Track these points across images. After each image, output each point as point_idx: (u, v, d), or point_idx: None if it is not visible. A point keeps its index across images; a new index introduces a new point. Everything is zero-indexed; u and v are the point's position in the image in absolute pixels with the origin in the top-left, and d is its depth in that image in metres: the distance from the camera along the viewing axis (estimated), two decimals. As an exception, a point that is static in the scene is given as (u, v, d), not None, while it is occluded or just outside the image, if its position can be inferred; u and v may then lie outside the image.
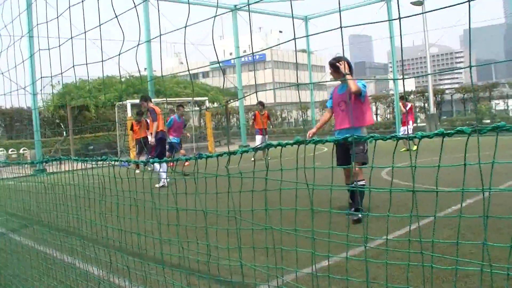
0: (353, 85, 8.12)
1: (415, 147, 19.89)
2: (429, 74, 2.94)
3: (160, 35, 3.61)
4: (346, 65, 8.23)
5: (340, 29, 2.42)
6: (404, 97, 23.75)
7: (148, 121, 20.35)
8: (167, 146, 18.49)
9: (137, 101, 32.35)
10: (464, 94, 41.79)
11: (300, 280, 4.96)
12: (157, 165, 13.59)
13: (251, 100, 53.52)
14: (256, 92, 2.68)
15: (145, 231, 3.95)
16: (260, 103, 23.00)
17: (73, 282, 4.97)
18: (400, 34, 2.26)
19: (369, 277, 5.15)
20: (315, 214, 2.66)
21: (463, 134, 2.03)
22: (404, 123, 22.54)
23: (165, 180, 13.02)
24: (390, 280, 4.98)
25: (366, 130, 8.84)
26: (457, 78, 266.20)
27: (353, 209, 8.08)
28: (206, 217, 3.09)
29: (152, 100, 30.76)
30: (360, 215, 7.83)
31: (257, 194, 2.72)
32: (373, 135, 2.14)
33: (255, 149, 2.64)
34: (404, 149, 20.73)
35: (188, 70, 3.06)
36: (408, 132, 21.80)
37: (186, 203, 3.26)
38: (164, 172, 13.31)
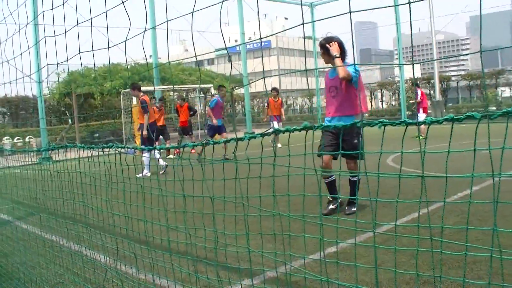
0: (342, 70, 7.43)
1: (422, 137, 19.60)
2: (435, 60, 2.88)
3: (167, 20, 3.58)
4: (337, 47, 7.63)
5: (349, 13, 2.39)
6: (416, 84, 23.22)
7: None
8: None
9: (142, 88, 32.42)
10: (470, 81, 41.65)
11: (307, 266, 4.96)
12: (157, 154, 13.61)
13: (256, 87, 53.44)
14: (264, 77, 2.65)
15: (152, 218, 3.94)
16: (274, 89, 22.39)
17: (80, 270, 4.98)
18: (410, 20, 2.22)
19: (377, 263, 5.17)
20: (323, 201, 2.63)
21: (473, 119, 2.01)
22: (425, 109, 21.91)
23: (148, 171, 12.93)
24: (396, 266, 4.98)
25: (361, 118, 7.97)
26: (463, 65, 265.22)
27: (334, 204, 7.78)
28: (213, 204, 3.08)
29: (158, 87, 30.77)
30: (353, 209, 7.63)
31: (264, 180, 2.70)
32: (383, 121, 2.11)
33: (263, 135, 2.62)
34: (417, 135, 20.46)
35: (195, 56, 3.03)
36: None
37: (193, 190, 3.25)
38: (148, 163, 13.08)
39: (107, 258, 4.93)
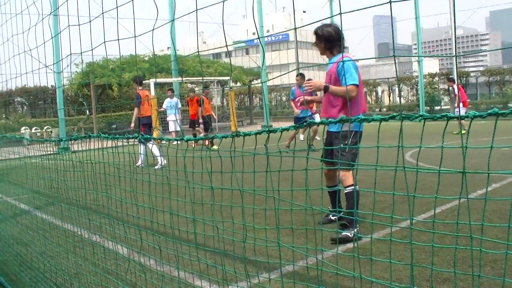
0: (341, 92, 6.27)
1: (464, 131, 19.18)
2: (455, 55, 2.88)
3: (189, 13, 3.54)
4: (317, 82, 6.56)
5: (369, 7, 2.33)
6: (452, 79, 22.43)
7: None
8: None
9: (160, 80, 32.47)
10: (489, 77, 41.28)
11: (331, 260, 4.92)
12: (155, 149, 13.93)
13: (274, 81, 53.33)
14: (280, 75, 2.61)
15: (178, 209, 3.90)
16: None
17: (100, 260, 4.97)
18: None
19: (392, 260, 5.10)
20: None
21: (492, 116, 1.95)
22: (464, 103, 21.05)
23: (161, 161, 13.40)
24: (414, 264, 4.91)
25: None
26: (481, 60, 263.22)
27: (330, 216, 6.62)
28: (242, 197, 3.04)
29: (176, 78, 30.78)
30: (347, 234, 5.76)
31: (287, 174, 2.65)
32: (423, 114, 2.05)
33: (296, 127, 2.57)
34: (457, 132, 20.11)
35: (228, 47, 2.98)
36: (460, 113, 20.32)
37: (222, 182, 3.21)
38: (158, 154, 13.62)
39: (130, 249, 4.91)
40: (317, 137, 19.99)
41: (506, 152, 10.82)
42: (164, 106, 23.28)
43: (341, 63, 6.24)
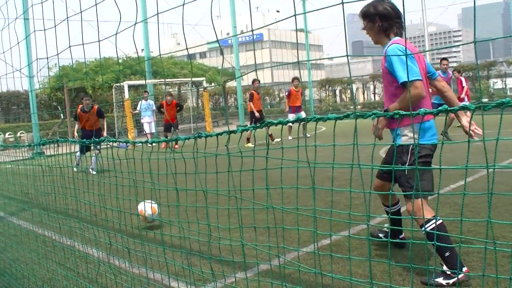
0: (400, 105, 4.35)
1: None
2: (427, 50, 2.91)
3: (158, 13, 3.56)
4: (381, 121, 4.48)
5: (341, 4, 2.37)
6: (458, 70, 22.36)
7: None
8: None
9: (134, 82, 32.32)
10: (462, 73, 41.71)
11: (301, 259, 4.95)
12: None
13: (249, 80, 53.34)
14: (255, 70, 2.63)
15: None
16: (296, 79, 21.10)
17: (72, 265, 4.96)
18: (403, 9, 2.21)
19: (366, 255, 5.15)
20: (309, 195, 2.62)
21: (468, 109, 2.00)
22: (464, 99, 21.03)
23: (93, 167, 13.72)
24: (391, 258, 4.97)
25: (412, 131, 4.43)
26: (455, 57, 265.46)
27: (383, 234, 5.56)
28: (206, 197, 3.06)
29: (150, 81, 30.64)
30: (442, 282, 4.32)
31: (258, 173, 2.68)
32: (376, 112, 2.09)
33: (255, 127, 2.60)
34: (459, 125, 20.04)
35: (187, 49, 3.01)
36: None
37: (186, 183, 3.23)
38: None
39: (100, 252, 4.90)
40: (307, 134, 20.12)
41: (479, 146, 10.84)
42: (138, 108, 23.23)
43: (394, 49, 4.55)
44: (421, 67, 4.47)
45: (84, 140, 4.11)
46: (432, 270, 4.26)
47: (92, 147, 12.34)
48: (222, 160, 2.86)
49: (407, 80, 4.17)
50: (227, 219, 3.52)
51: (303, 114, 21.12)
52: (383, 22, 4.69)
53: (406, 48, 2.77)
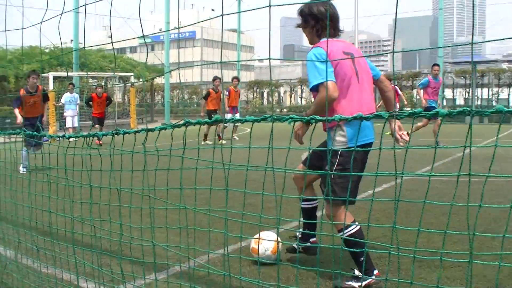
0: (314, 108, 4.24)
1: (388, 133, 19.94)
2: (354, 57, 2.92)
3: (86, 4, 3.45)
4: (298, 126, 4.45)
5: (269, 7, 2.34)
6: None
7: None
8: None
9: (59, 73, 31.56)
10: (390, 82, 42.67)
11: (212, 261, 4.90)
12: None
13: (176, 78, 53.00)
14: (180, 68, 2.56)
15: (57, 209, 3.78)
16: (236, 78, 20.92)
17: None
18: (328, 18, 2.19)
19: (282, 260, 5.14)
20: (233, 195, 2.57)
21: (381, 118, 2.00)
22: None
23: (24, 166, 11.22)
24: (303, 262, 4.96)
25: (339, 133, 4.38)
26: (383, 65, 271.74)
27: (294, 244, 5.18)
28: (119, 196, 2.96)
29: (76, 73, 30.02)
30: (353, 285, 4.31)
31: (174, 173, 2.61)
32: (292, 116, 2.06)
33: (173, 126, 2.53)
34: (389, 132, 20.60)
35: (112, 43, 2.91)
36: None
37: (100, 180, 3.12)
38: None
39: (8, 251, 4.71)
40: (235, 137, 20.03)
41: (397, 153, 11.09)
42: (62, 100, 22.54)
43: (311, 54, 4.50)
44: (345, 69, 4.37)
45: (19, 130, 3.91)
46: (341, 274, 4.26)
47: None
48: (140, 158, 2.78)
49: (315, 84, 4.20)
50: (140, 218, 3.44)
51: (238, 116, 20.88)
52: (316, 23, 4.65)
53: (327, 52, 2.75)
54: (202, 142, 18.11)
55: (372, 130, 4.53)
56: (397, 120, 4.56)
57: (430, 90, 16.16)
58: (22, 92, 12.93)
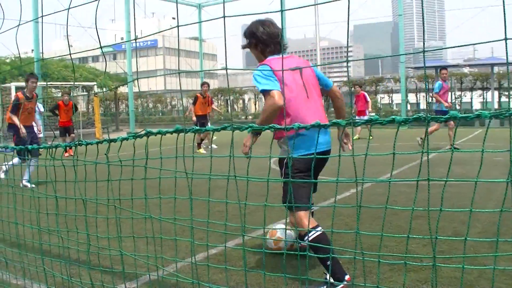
0: (263, 115, 4.36)
1: (357, 137, 20.96)
2: (318, 65, 3.01)
3: (42, 16, 3.49)
4: (247, 139, 4.47)
5: (223, 18, 2.42)
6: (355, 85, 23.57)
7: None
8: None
9: (22, 84, 31.16)
10: (351, 88, 42.97)
11: (183, 269, 4.95)
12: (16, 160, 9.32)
13: (141, 87, 52.74)
14: (138, 78, 2.64)
15: (23, 220, 3.80)
16: (205, 84, 18.81)
17: None
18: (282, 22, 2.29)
19: (256, 266, 5.21)
20: (200, 204, 2.64)
21: (338, 125, 2.10)
22: (362, 112, 21.94)
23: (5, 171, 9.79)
24: (268, 269, 5.03)
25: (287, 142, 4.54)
26: (345, 71, 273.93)
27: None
28: (85, 206, 3.01)
29: (38, 83, 29.72)
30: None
31: (139, 182, 2.67)
32: (251, 125, 2.15)
33: (135, 136, 2.59)
34: (356, 137, 20.89)
35: (70, 54, 2.97)
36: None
37: (66, 191, 3.17)
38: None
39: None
40: (214, 145, 19.44)
41: (378, 159, 11.23)
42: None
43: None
44: (292, 84, 4.57)
45: (2, 146, 3.89)
46: (310, 280, 4.33)
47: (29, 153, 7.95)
48: (104, 169, 2.83)
49: (263, 88, 4.36)
50: (107, 228, 3.48)
51: (209, 125, 18.92)
52: (259, 43, 4.86)
53: (271, 68, 2.83)
54: (196, 150, 17.14)
55: (326, 139, 4.62)
56: (345, 128, 4.70)
57: (441, 93, 16.20)
58: (20, 96, 11.59)
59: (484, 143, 1.97)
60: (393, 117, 2.07)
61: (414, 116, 2.04)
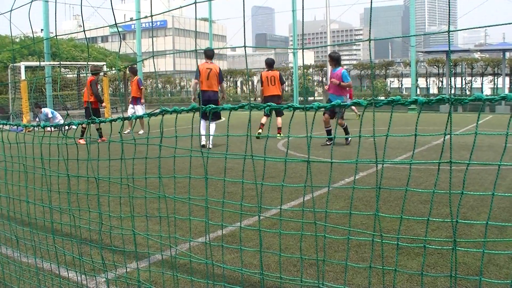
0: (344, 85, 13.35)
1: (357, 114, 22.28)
2: (328, 45, 2.97)
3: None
4: (335, 81, 13.16)
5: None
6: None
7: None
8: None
9: (31, 63, 31.16)
10: (361, 71, 42.77)
11: (194, 250, 4.93)
12: None
13: (150, 67, 52.64)
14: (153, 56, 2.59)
15: (35, 199, 3.78)
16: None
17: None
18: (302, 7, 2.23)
19: (262, 247, 5.18)
20: (212, 184, 2.60)
21: (360, 106, 2.05)
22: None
23: None
24: (284, 250, 5.02)
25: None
26: (355, 54, 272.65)
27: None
28: (98, 185, 2.98)
29: (49, 62, 29.71)
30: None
31: (151, 162, 2.64)
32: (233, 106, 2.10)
33: (150, 115, 2.55)
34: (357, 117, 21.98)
35: (84, 31, 2.92)
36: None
37: (78, 170, 3.14)
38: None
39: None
40: (141, 131, 18.59)
41: (378, 141, 11.17)
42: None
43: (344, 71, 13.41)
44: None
45: (15, 124, 3.88)
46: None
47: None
48: (117, 147, 2.80)
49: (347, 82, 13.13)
50: (120, 207, 3.47)
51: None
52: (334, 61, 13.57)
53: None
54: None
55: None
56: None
57: None
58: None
59: (508, 128, 1.91)
60: (416, 97, 2.02)
61: (438, 97, 1.99)
